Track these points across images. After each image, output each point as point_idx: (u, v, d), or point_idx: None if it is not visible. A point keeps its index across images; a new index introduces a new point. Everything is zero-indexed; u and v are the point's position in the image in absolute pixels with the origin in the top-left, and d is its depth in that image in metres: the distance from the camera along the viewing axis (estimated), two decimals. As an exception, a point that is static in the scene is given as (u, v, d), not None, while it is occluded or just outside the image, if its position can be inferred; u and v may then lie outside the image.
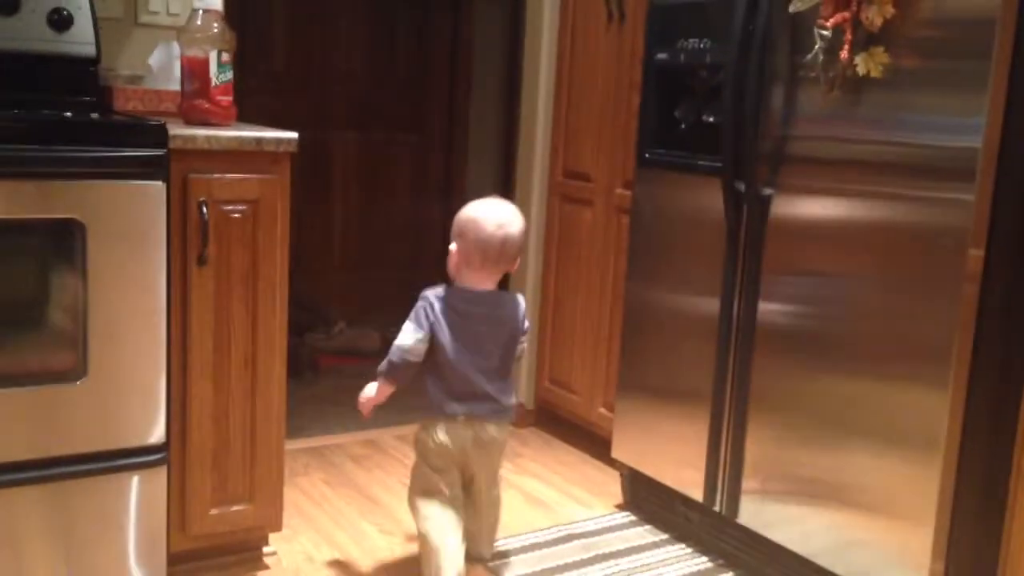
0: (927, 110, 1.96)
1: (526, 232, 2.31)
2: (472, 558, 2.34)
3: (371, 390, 2.28)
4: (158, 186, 2.00)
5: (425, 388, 2.24)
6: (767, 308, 2.29)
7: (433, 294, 2.25)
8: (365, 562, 2.39)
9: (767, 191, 2.27)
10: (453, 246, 2.26)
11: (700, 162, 2.44)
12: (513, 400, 2.30)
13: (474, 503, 2.34)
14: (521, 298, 2.34)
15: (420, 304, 2.24)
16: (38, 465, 1.97)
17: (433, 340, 2.20)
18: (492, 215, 2.24)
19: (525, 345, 2.38)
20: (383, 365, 2.26)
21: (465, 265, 2.24)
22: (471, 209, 2.27)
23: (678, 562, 2.46)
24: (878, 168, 2.05)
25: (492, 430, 2.25)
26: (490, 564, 2.39)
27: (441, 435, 2.22)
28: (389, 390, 2.27)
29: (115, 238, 1.97)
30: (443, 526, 2.22)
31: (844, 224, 2.12)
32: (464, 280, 2.26)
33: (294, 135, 2.15)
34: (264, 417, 2.20)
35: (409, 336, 2.21)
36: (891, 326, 2.03)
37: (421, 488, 2.27)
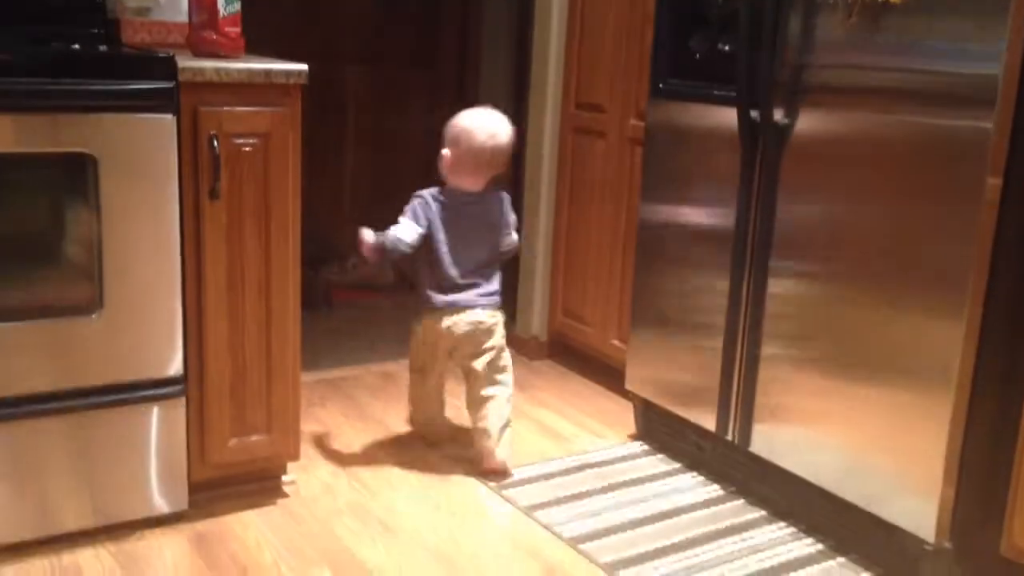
0: (947, 36, 1.92)
1: (513, 140, 2.54)
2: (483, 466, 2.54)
3: (369, 236, 2.47)
4: (168, 119, 2.00)
5: (419, 282, 2.51)
6: (781, 239, 2.28)
7: (428, 193, 2.49)
8: (382, 491, 2.43)
9: (783, 120, 2.24)
10: (446, 151, 2.49)
11: (715, 91, 2.41)
12: (499, 287, 2.55)
13: (472, 399, 2.55)
14: (506, 195, 2.58)
15: (416, 202, 2.47)
16: (59, 397, 2.01)
17: (429, 235, 2.45)
18: (484, 126, 2.48)
19: (515, 237, 2.62)
20: (379, 240, 2.45)
21: (458, 169, 2.48)
22: (464, 119, 2.51)
23: (690, 490, 2.49)
24: (896, 96, 2.02)
25: (481, 314, 2.47)
26: (503, 492, 2.43)
27: (429, 327, 2.50)
28: (376, 255, 2.48)
29: (127, 172, 1.98)
30: (421, 395, 2.64)
31: (861, 153, 2.10)
32: (456, 182, 2.50)
33: (304, 67, 2.13)
34: (280, 349, 2.22)
35: (411, 231, 2.44)
36: (907, 256, 2.02)
37: (413, 368, 2.64)
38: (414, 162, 4.43)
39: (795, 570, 2.15)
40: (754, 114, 2.29)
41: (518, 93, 4.26)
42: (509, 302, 3.53)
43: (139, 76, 1.97)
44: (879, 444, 2.09)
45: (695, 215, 2.52)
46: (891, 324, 2.05)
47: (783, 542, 2.26)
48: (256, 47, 2.26)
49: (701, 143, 2.48)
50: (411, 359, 2.64)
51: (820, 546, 2.25)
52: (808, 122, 2.20)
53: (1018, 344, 1.97)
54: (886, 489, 2.08)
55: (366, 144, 4.42)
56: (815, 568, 2.16)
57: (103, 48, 2.20)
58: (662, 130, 2.60)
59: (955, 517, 2.02)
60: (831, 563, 2.18)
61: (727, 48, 2.40)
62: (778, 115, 2.25)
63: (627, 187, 2.95)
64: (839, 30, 2.11)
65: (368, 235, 2.47)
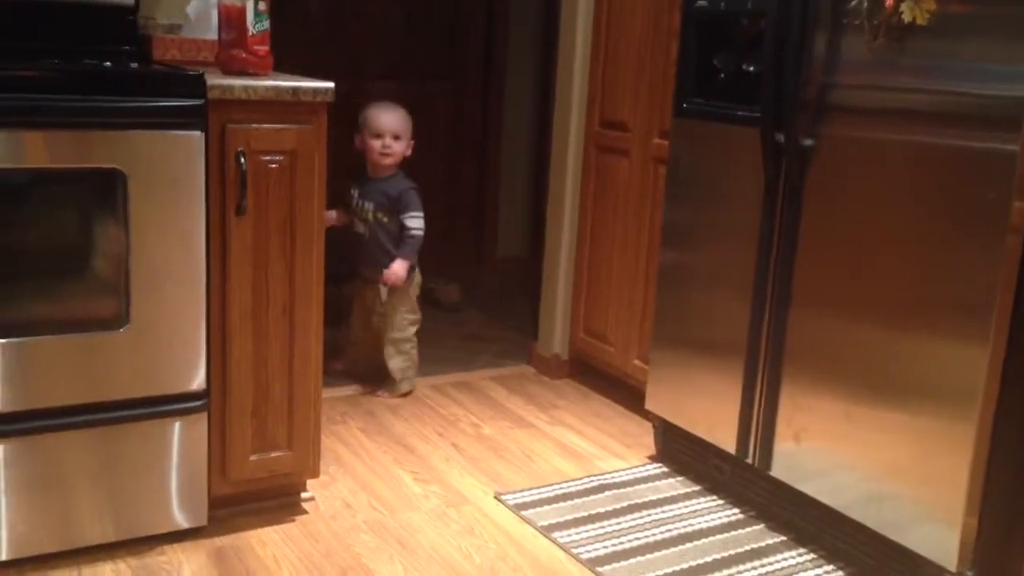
0: (973, 58, 1.91)
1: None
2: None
3: (403, 270, 3.04)
4: (197, 136, 2.02)
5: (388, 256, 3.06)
6: (805, 260, 2.27)
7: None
8: (400, 509, 2.43)
9: (807, 142, 2.24)
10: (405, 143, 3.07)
11: (739, 112, 2.41)
12: None
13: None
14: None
15: (416, 191, 3.07)
16: (84, 410, 2.02)
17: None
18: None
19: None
20: (414, 251, 3.06)
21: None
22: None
23: (709, 513, 2.48)
24: (921, 118, 2.01)
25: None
26: (522, 513, 2.43)
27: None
28: (410, 273, 3.10)
29: (155, 188, 2.00)
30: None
31: (885, 175, 2.09)
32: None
33: (330, 85, 2.15)
34: (302, 365, 2.23)
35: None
36: (931, 280, 2.01)
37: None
38: (439, 175, 4.46)
39: (815, 596, 2.13)
40: (778, 136, 2.29)
41: (543, 109, 4.28)
42: (531, 320, 3.54)
43: (169, 93, 2.00)
44: (901, 470, 2.07)
45: (718, 236, 2.51)
46: (915, 349, 2.04)
47: (803, 568, 2.24)
48: (282, 63, 2.28)
49: (725, 164, 2.48)
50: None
51: (840, 573, 2.23)
52: (832, 144, 2.20)
53: (1044, 372, 1.95)
54: (908, 516, 2.06)
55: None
56: (836, 595, 2.15)
57: (134, 65, 2.23)
58: (686, 150, 2.60)
59: (977, 545, 1.99)
60: (852, 590, 2.17)
61: (752, 68, 2.40)
62: (802, 137, 2.24)
63: (650, 206, 2.95)
64: (864, 51, 2.10)
65: (401, 268, 3.02)
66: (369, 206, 3.08)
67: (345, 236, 3.10)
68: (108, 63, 2.14)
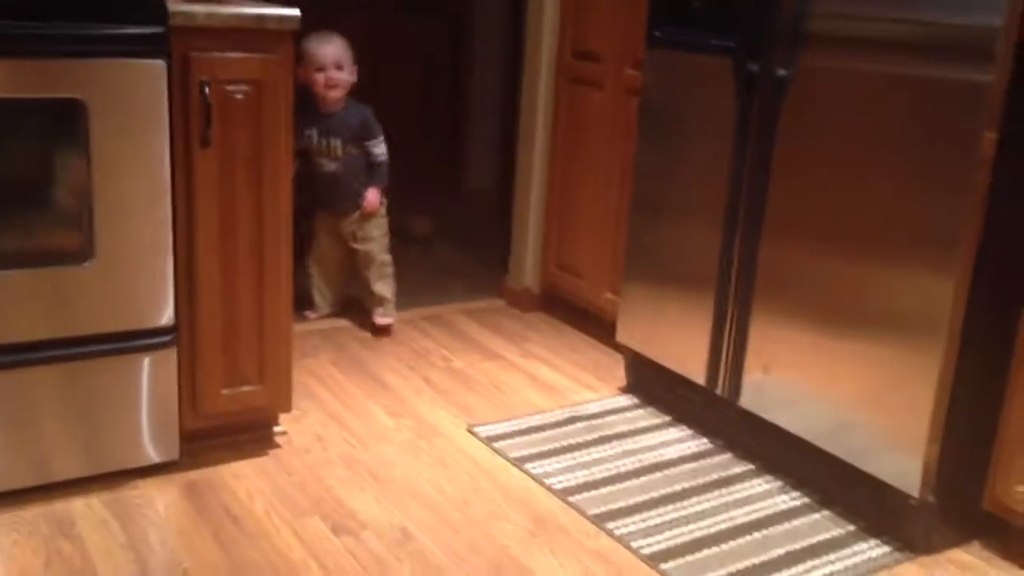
0: (948, -12, 1.90)
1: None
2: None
3: (378, 197, 3.07)
4: (159, 64, 1.97)
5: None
6: (776, 192, 2.27)
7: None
8: (373, 442, 2.45)
9: (781, 72, 2.22)
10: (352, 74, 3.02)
11: (713, 41, 2.38)
12: None
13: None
14: None
15: (374, 115, 3.07)
16: (51, 345, 2.00)
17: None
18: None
19: None
20: (385, 176, 3.07)
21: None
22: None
23: (679, 443, 2.52)
24: (895, 48, 2.00)
25: None
26: (494, 444, 2.45)
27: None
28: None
29: (117, 118, 1.95)
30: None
31: (858, 106, 2.08)
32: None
33: (296, 12, 2.10)
34: (271, 299, 2.21)
35: None
36: (901, 212, 2.02)
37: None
38: (410, 107, 4.40)
39: (781, 523, 2.18)
40: (752, 66, 2.27)
41: (514, 40, 4.21)
42: (501, 254, 3.54)
43: (130, 20, 1.94)
44: (867, 400, 2.11)
45: (691, 168, 2.50)
46: (883, 280, 2.06)
47: (770, 495, 2.29)
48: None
49: (698, 95, 2.46)
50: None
51: (806, 499, 2.27)
52: (806, 75, 2.18)
53: (1007, 302, 1.98)
54: (873, 444, 2.10)
55: (362, 86, 4.37)
56: (801, 521, 2.19)
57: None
58: (658, 81, 2.57)
59: (940, 472, 2.04)
60: (817, 516, 2.21)
61: (725, -3, 2.37)
62: (776, 67, 2.22)
63: (623, 139, 2.92)
64: (840, -20, 2.08)
65: (374, 196, 3.03)
66: (336, 142, 3.02)
67: (308, 177, 3.04)
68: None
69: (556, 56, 3.20)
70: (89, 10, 1.93)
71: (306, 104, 2.95)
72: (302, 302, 3.08)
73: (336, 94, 2.99)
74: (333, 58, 2.97)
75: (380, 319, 3.13)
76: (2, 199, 1.94)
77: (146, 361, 2.10)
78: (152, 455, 2.17)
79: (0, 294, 1.93)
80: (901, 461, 2.05)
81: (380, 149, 3.06)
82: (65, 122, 1.93)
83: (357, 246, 3.12)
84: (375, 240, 3.11)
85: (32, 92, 1.89)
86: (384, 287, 3.14)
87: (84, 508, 2.06)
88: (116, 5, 1.99)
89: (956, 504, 2.08)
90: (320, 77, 2.96)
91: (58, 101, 1.91)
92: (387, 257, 3.14)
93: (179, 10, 1.97)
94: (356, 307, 3.24)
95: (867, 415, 2.11)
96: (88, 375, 2.05)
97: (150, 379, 2.12)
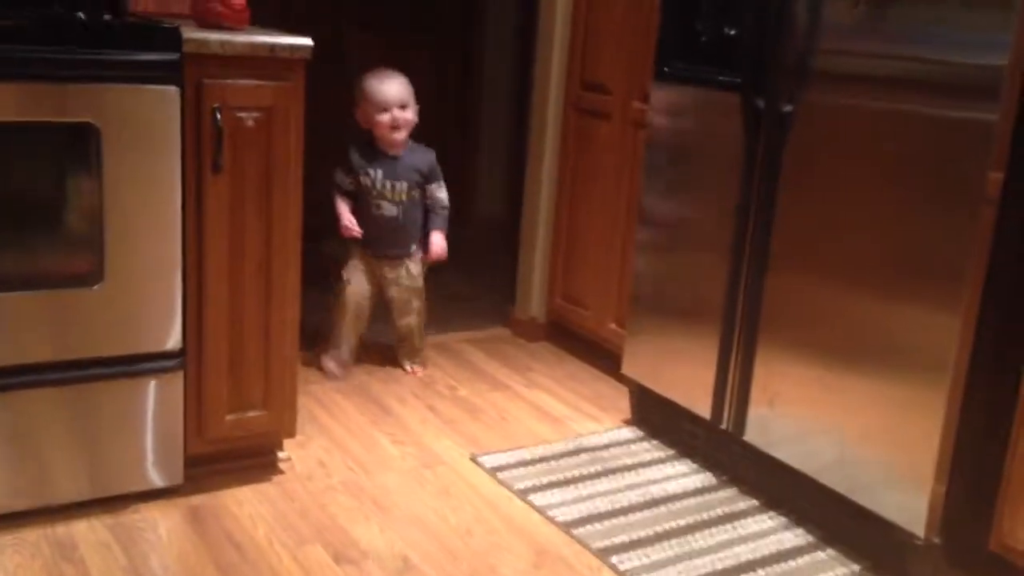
0: (953, 26, 1.91)
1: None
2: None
3: (444, 243, 2.99)
4: (172, 91, 1.99)
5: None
6: (782, 227, 2.27)
7: None
8: (376, 470, 2.44)
9: (787, 107, 2.23)
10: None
11: (720, 76, 2.40)
12: None
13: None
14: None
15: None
16: (58, 367, 2.01)
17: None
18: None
19: None
20: (447, 221, 2.97)
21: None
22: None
23: (683, 477, 2.51)
24: (901, 85, 2.01)
25: None
26: (498, 475, 2.44)
27: None
28: None
29: (130, 143, 1.97)
30: None
31: (863, 142, 2.09)
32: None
33: (308, 42, 2.12)
34: (279, 325, 2.22)
35: None
36: (906, 248, 2.02)
37: None
38: (418, 132, 4.42)
39: (785, 560, 2.16)
40: (758, 101, 2.28)
41: (524, 68, 4.24)
42: (508, 283, 3.54)
43: (144, 47, 1.96)
44: (872, 437, 2.10)
45: (697, 202, 2.51)
46: (889, 317, 2.06)
47: (774, 531, 2.28)
48: (258, 15, 2.24)
49: (705, 129, 2.47)
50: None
51: (810, 537, 2.26)
52: (812, 110, 2.20)
53: (1013, 342, 1.97)
54: (878, 482, 2.09)
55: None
56: (804, 559, 2.17)
57: (108, 16, 2.18)
58: (666, 114, 2.59)
59: (945, 512, 2.03)
60: (820, 554, 2.20)
61: (733, 32, 2.38)
62: (782, 103, 2.24)
63: (629, 171, 2.94)
64: (846, 17, 2.10)
65: (442, 241, 2.95)
66: (402, 186, 2.87)
67: (360, 219, 2.90)
68: (81, 14, 2.10)
69: (565, 87, 3.22)
70: (104, 36, 1.96)
71: (365, 143, 2.88)
72: (311, 341, 2.95)
73: (401, 136, 2.86)
74: (397, 98, 2.84)
75: (416, 368, 3.05)
76: (14, 221, 1.96)
77: (152, 385, 2.11)
78: (156, 479, 2.17)
79: (9, 316, 1.94)
80: (906, 500, 2.04)
81: (444, 193, 2.95)
82: (78, 146, 1.95)
83: (395, 293, 2.97)
84: (420, 288, 3.00)
85: (46, 116, 1.90)
86: (420, 335, 3.06)
87: (86, 531, 2.06)
88: (131, 32, 2.01)
89: (962, 545, 2.07)
90: (385, 118, 2.83)
91: (72, 125, 1.93)
92: (423, 304, 3.04)
93: (193, 37, 1.99)
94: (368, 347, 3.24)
95: (872, 452, 2.10)
96: (94, 398, 2.06)
97: (156, 403, 2.12)
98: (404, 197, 2.88)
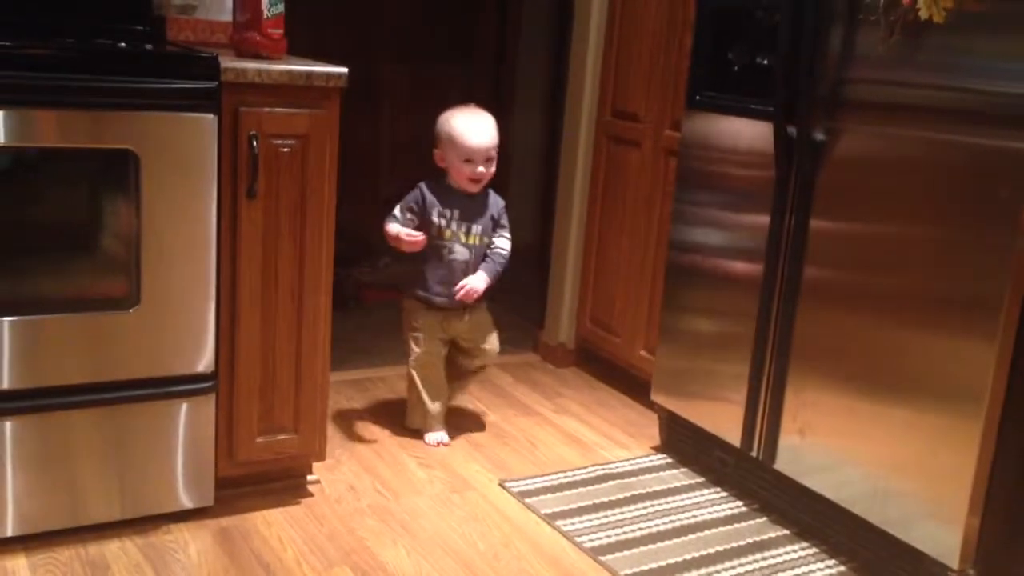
0: (989, 55, 1.91)
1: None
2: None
3: (483, 285, 2.68)
4: (210, 119, 2.02)
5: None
6: (814, 256, 2.26)
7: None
8: (405, 494, 2.45)
9: (820, 136, 2.23)
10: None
11: (752, 105, 2.40)
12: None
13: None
14: None
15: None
16: (93, 389, 2.04)
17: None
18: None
19: None
20: (499, 270, 2.73)
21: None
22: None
23: (713, 505, 2.49)
24: (936, 114, 2.00)
25: None
26: (526, 500, 2.44)
27: None
28: None
29: (167, 169, 2.01)
30: None
31: (897, 171, 2.08)
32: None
33: (344, 70, 2.15)
34: (310, 349, 2.24)
35: None
36: (941, 277, 2.00)
37: None
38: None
39: (816, 590, 2.14)
40: (791, 130, 2.28)
41: (554, 96, 4.27)
42: (537, 308, 3.55)
43: (183, 75, 2.00)
44: (906, 467, 2.08)
45: (728, 229, 2.51)
46: (923, 346, 2.04)
47: (805, 563, 2.25)
48: (293, 45, 2.28)
49: (736, 157, 2.48)
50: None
51: (842, 568, 2.23)
52: (845, 139, 2.19)
53: (1051, 372, 1.95)
54: (911, 513, 2.07)
55: (400, 141, 4.44)
56: (836, 589, 2.15)
57: (148, 46, 2.23)
58: (697, 142, 2.59)
59: (980, 544, 2.00)
60: (853, 585, 2.17)
61: (766, 62, 2.39)
62: (815, 132, 2.24)
63: (660, 198, 2.95)
64: (880, 47, 2.09)
65: (482, 283, 2.67)
66: (476, 229, 2.67)
67: (425, 262, 2.69)
68: (122, 43, 2.15)
69: (596, 114, 3.24)
70: (144, 65, 2.00)
71: (439, 180, 2.69)
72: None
73: (477, 189, 2.67)
74: (486, 152, 2.62)
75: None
76: (53, 245, 2.00)
77: (184, 407, 2.13)
78: (186, 501, 2.19)
79: (46, 338, 1.98)
80: (940, 532, 2.01)
81: (507, 243, 2.74)
82: (116, 172, 1.99)
83: (468, 344, 2.76)
84: (495, 342, 2.81)
85: (86, 142, 1.94)
86: (467, 390, 2.94)
87: (118, 551, 2.08)
88: (170, 61, 2.06)
89: (997, 577, 2.04)
90: (467, 169, 2.61)
91: (111, 151, 1.97)
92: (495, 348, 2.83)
93: (231, 66, 2.03)
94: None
95: (905, 483, 2.08)
96: (126, 419, 2.08)
97: (187, 425, 2.14)
98: (478, 241, 2.68)
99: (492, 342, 2.80)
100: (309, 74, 2.11)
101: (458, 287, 2.65)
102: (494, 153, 2.65)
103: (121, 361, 2.05)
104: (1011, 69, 1.87)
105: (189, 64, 2.03)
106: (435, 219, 2.65)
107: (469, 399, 3.07)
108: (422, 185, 2.69)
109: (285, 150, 2.11)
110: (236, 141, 2.06)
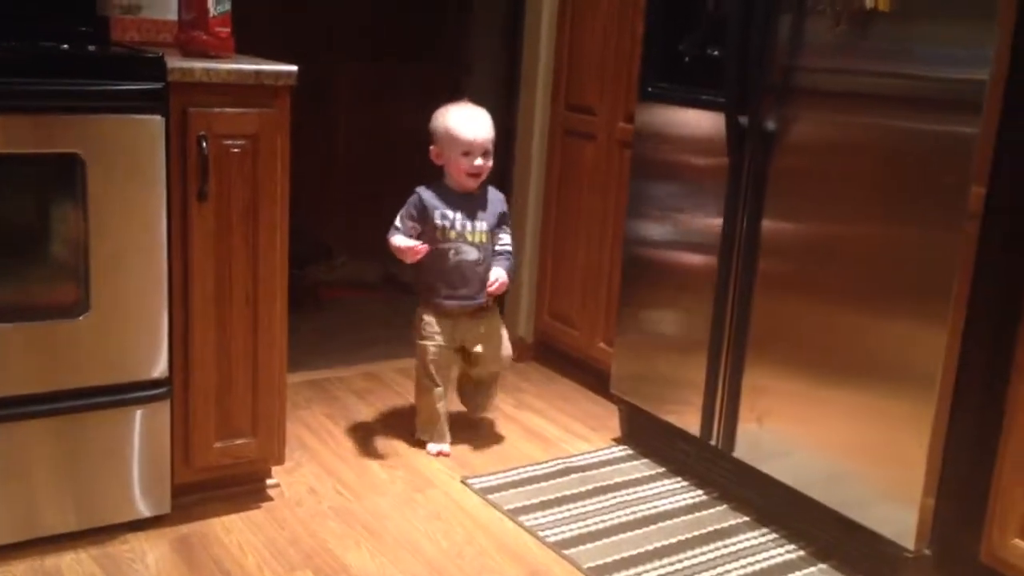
0: (934, 42, 1.94)
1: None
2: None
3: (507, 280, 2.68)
4: (157, 120, 1.99)
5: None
6: (768, 244, 2.29)
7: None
8: (366, 494, 2.43)
9: (771, 126, 2.25)
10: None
11: (703, 96, 2.42)
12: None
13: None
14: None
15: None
16: (44, 399, 2.00)
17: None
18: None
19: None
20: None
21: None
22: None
23: (674, 495, 2.50)
24: (883, 102, 2.03)
25: None
26: (488, 496, 2.44)
27: None
28: None
29: (115, 173, 1.97)
30: None
31: (847, 160, 2.11)
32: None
33: (293, 68, 2.13)
34: (266, 352, 2.21)
35: None
36: (892, 264, 2.03)
37: None
38: (403, 159, 4.43)
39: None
40: (742, 120, 2.30)
41: (510, 92, 4.26)
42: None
43: (128, 76, 1.97)
44: (862, 451, 2.11)
45: (683, 220, 2.53)
46: (875, 332, 2.07)
47: (765, 548, 2.28)
48: (244, 42, 2.25)
49: (689, 148, 2.49)
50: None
51: (802, 552, 2.26)
52: (795, 128, 2.21)
53: (999, 354, 1.98)
54: (868, 496, 2.10)
55: (355, 140, 4.41)
56: (797, 574, 2.17)
57: (92, 47, 2.18)
58: (650, 134, 2.60)
59: (935, 524, 2.03)
60: (812, 569, 2.20)
61: (716, 53, 2.40)
62: (766, 121, 2.26)
63: (615, 190, 2.95)
64: (828, 36, 2.12)
65: (506, 278, 2.65)
66: (482, 226, 2.62)
67: (432, 267, 2.61)
68: (65, 45, 2.10)
69: (551, 108, 3.24)
70: (88, 67, 1.96)
71: (437, 183, 2.64)
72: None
73: (476, 184, 2.62)
74: (483, 145, 2.59)
75: (488, 416, 2.84)
76: (-1, 253, 1.95)
77: (139, 414, 2.10)
78: (143, 509, 2.15)
79: (-5, 347, 1.93)
80: (896, 513, 2.04)
81: (510, 238, 2.72)
82: (62, 176, 1.95)
83: (484, 348, 2.67)
84: (509, 347, 2.75)
85: (30, 147, 1.90)
86: (495, 396, 2.84)
87: (73, 563, 2.04)
88: (115, 62, 2.02)
89: (952, 557, 2.07)
90: (465, 163, 2.58)
91: (56, 156, 1.93)
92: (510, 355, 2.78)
93: (178, 66, 2.00)
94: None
95: (861, 467, 2.11)
96: (80, 428, 2.05)
97: (142, 432, 2.11)
98: (485, 239, 2.62)
99: (507, 347, 2.75)
100: (258, 73, 2.08)
101: (491, 282, 2.62)
102: (490, 147, 2.61)
103: (72, 369, 2.01)
104: (954, 55, 1.90)
105: (134, 65, 1.99)
106: (438, 221, 2.58)
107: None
108: (419, 190, 2.62)
109: (235, 151, 2.08)
110: (185, 142, 2.03)
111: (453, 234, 2.59)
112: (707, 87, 2.40)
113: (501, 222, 2.70)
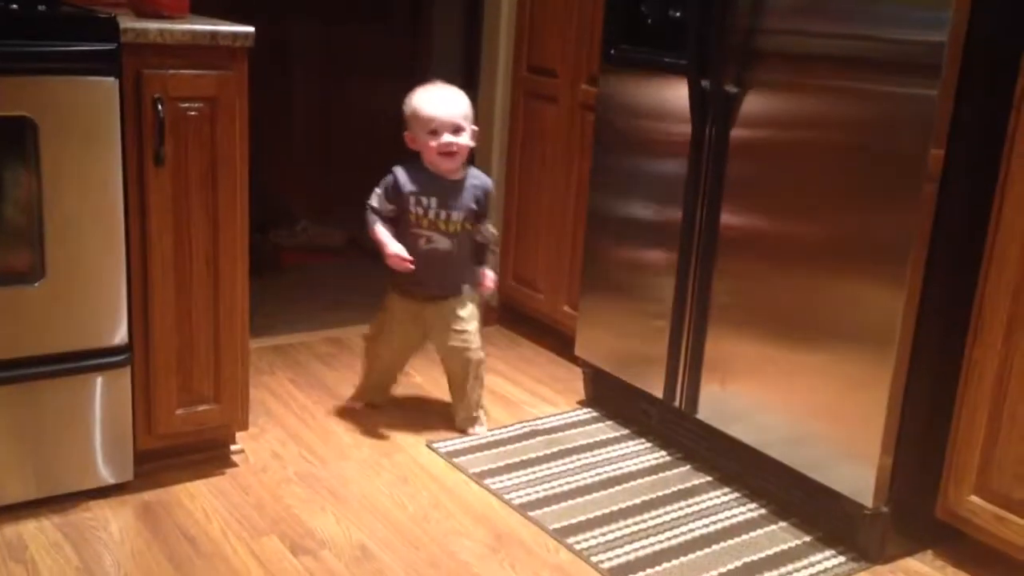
0: (894, 3, 1.94)
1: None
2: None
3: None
4: (110, 82, 1.95)
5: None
6: (730, 207, 2.29)
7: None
8: (332, 460, 2.43)
9: (732, 89, 2.25)
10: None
11: (666, 59, 2.41)
12: None
13: None
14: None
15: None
16: (1, 367, 1.96)
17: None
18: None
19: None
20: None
21: None
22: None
23: (638, 456, 2.53)
24: (845, 63, 2.03)
25: None
26: (454, 460, 2.45)
27: None
28: None
29: (68, 136, 1.93)
30: None
31: (809, 122, 2.11)
32: None
33: (250, 29, 2.09)
34: (227, 317, 2.19)
35: None
36: (852, 226, 2.05)
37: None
38: (363, 122, 4.38)
39: (739, 534, 2.20)
40: (704, 83, 2.30)
41: (471, 54, 4.22)
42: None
43: (79, 37, 1.92)
44: (821, 412, 2.14)
45: (645, 184, 2.53)
46: (836, 295, 2.09)
47: (728, 507, 2.31)
48: (199, 3, 2.20)
49: (652, 111, 2.48)
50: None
51: (763, 511, 2.30)
52: (758, 91, 2.21)
53: (956, 315, 2.01)
54: (827, 455, 2.13)
55: (314, 104, 4.35)
56: (759, 532, 2.21)
57: (42, 7, 2.12)
58: (613, 97, 2.59)
59: (893, 482, 2.07)
60: (774, 527, 2.24)
61: (678, 14, 2.39)
62: (728, 84, 2.25)
63: (579, 154, 2.94)
64: (790, -2, 2.12)
65: (493, 276, 2.67)
66: (457, 216, 2.49)
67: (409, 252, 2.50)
68: (15, 5, 2.04)
69: (512, 71, 3.22)
70: (38, 27, 1.91)
71: (415, 164, 2.52)
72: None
73: (451, 164, 2.49)
74: (450, 121, 2.45)
75: (478, 429, 2.65)
76: (-51, 219, 1.91)
77: (99, 381, 2.07)
78: (105, 476, 2.14)
79: (-52, 315, 1.90)
80: (855, 472, 2.08)
81: (491, 227, 2.63)
82: (14, 140, 1.90)
83: (454, 342, 2.57)
84: (475, 333, 2.60)
85: (-21, 110, 1.86)
86: (480, 393, 2.66)
87: (36, 531, 2.03)
88: (66, 22, 1.97)
89: (910, 514, 2.12)
90: (433, 143, 2.46)
91: (7, 119, 1.88)
92: (483, 354, 2.64)
93: (131, 27, 1.95)
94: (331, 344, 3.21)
95: (822, 427, 2.14)
96: (39, 396, 2.02)
97: (103, 399, 2.09)
98: (459, 228, 2.50)
99: (475, 341, 2.61)
100: (214, 34, 2.04)
101: (484, 287, 2.63)
102: (464, 124, 2.48)
103: (30, 336, 1.99)
104: (916, 17, 1.90)
105: (86, 25, 1.94)
106: (411, 207, 2.48)
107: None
108: (396, 170, 2.51)
109: (192, 113, 2.04)
110: (140, 105, 1.99)
111: (426, 223, 2.49)
112: (670, 50, 2.39)
113: (481, 210, 2.55)
